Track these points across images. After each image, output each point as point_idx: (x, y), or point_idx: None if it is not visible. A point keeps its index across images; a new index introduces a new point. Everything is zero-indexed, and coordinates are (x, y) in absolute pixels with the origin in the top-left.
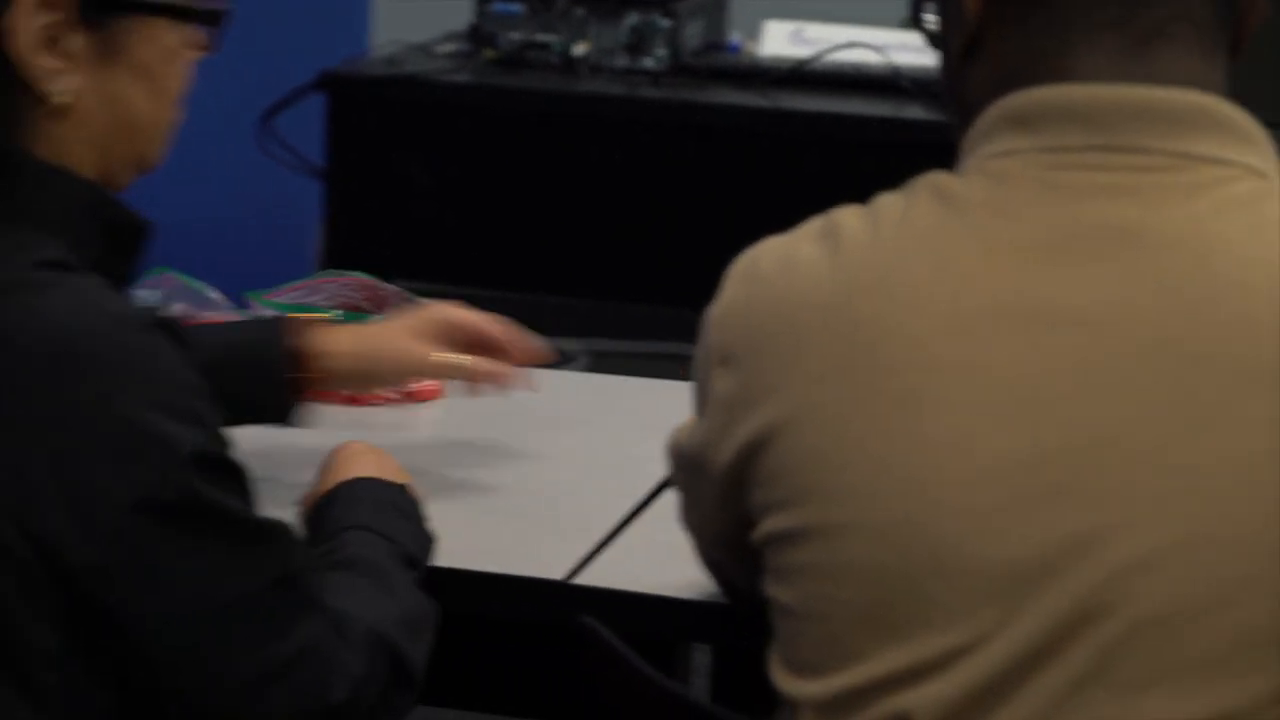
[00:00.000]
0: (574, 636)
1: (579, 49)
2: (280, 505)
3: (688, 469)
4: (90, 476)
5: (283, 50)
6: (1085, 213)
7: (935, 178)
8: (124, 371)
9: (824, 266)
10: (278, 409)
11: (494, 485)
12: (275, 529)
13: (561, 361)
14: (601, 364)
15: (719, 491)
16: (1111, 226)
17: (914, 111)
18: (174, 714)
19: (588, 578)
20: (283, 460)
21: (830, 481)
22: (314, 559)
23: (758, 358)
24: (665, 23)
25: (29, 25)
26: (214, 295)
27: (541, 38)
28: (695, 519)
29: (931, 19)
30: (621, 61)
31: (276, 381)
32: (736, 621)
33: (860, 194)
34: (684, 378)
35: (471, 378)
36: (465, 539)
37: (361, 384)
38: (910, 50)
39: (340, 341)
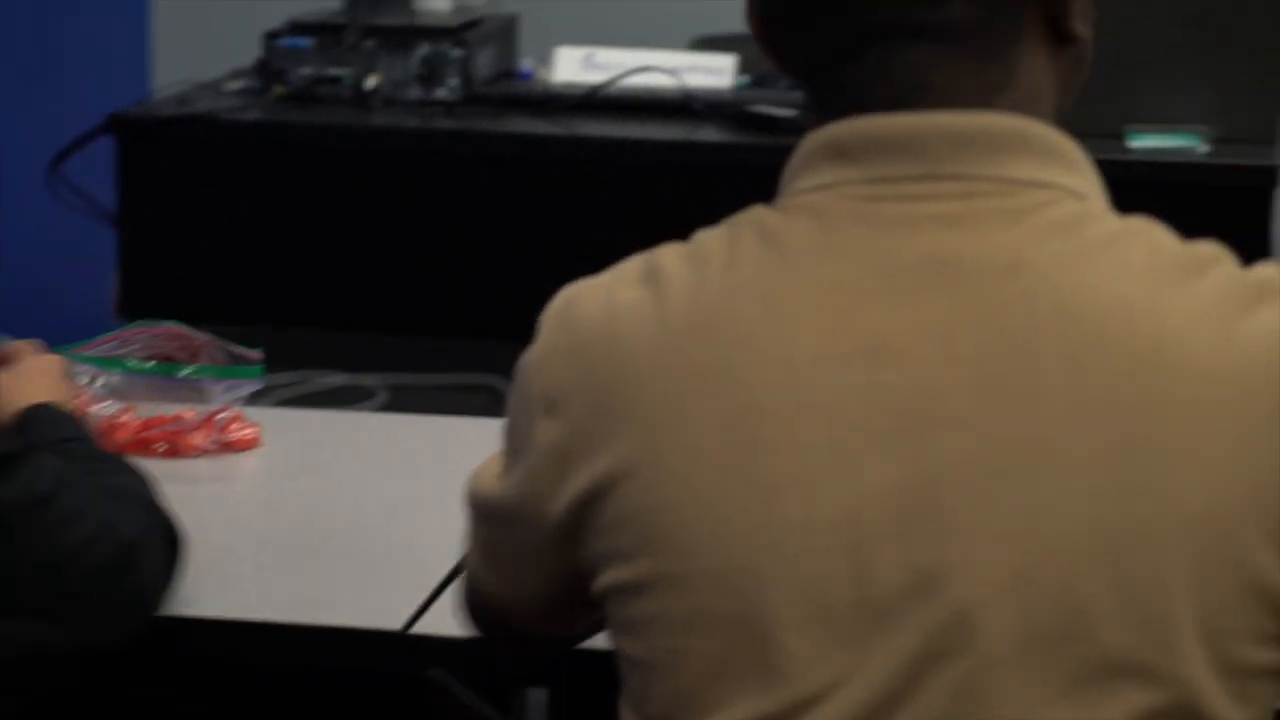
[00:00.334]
0: (423, 687)
1: (370, 82)
2: None
3: (496, 519)
4: None
5: (66, 94)
6: (909, 245)
7: (758, 214)
8: None
9: (650, 311)
10: None
11: (320, 534)
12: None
13: (360, 397)
14: (401, 397)
15: (547, 544)
16: (936, 258)
17: (708, 134)
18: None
19: (426, 625)
20: None
21: (673, 531)
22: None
23: (588, 406)
24: (456, 53)
25: None
26: None
27: (332, 72)
28: (501, 570)
29: None
30: (414, 93)
31: None
32: (574, 665)
33: (657, 218)
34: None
35: None
36: (297, 591)
37: None
38: (701, 72)
39: None
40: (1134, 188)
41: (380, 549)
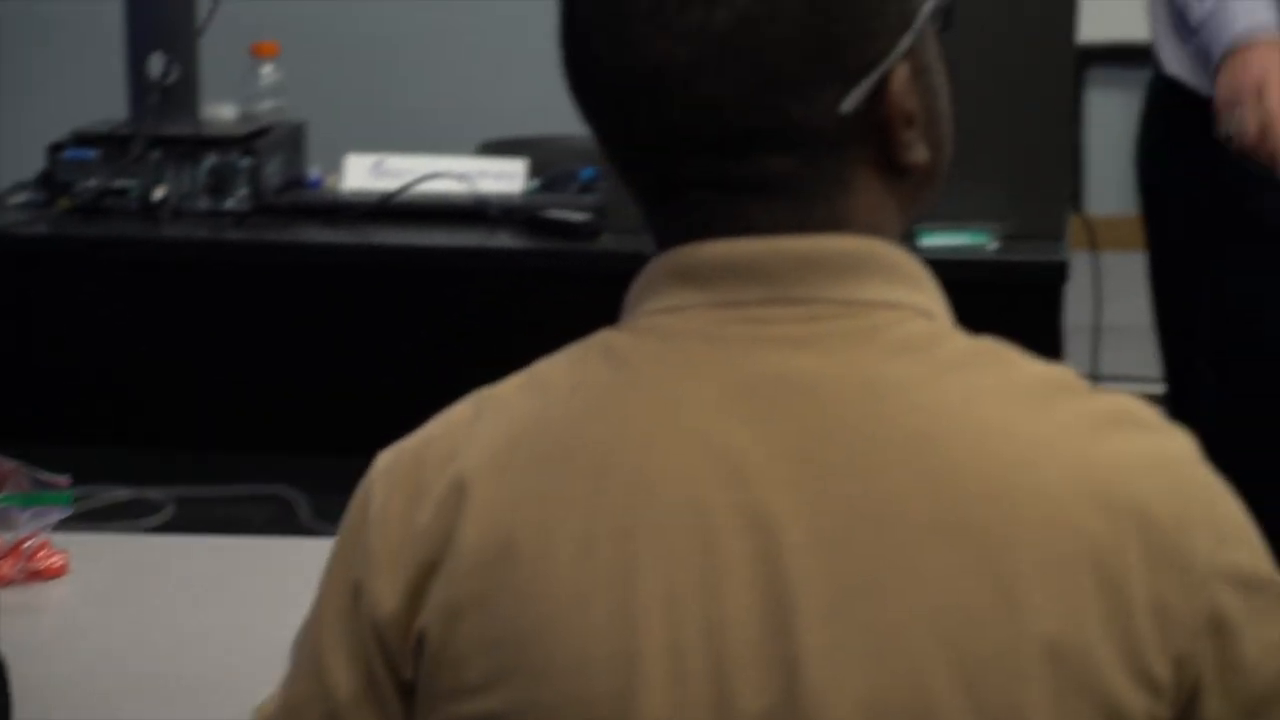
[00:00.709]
0: None
1: (158, 193)
2: None
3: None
4: None
5: None
6: (760, 365)
7: (603, 337)
8: None
9: (494, 444)
10: None
11: (137, 667)
12: None
13: (147, 511)
14: (189, 510)
15: (377, 672)
16: (787, 378)
17: (502, 240)
18: None
19: None
20: None
21: (535, 660)
22: None
23: (434, 553)
24: (245, 162)
25: None
26: None
27: (119, 183)
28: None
29: None
30: (203, 204)
31: None
32: None
33: (452, 326)
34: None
35: None
36: None
37: None
38: (492, 177)
39: None
40: None
41: (190, 679)
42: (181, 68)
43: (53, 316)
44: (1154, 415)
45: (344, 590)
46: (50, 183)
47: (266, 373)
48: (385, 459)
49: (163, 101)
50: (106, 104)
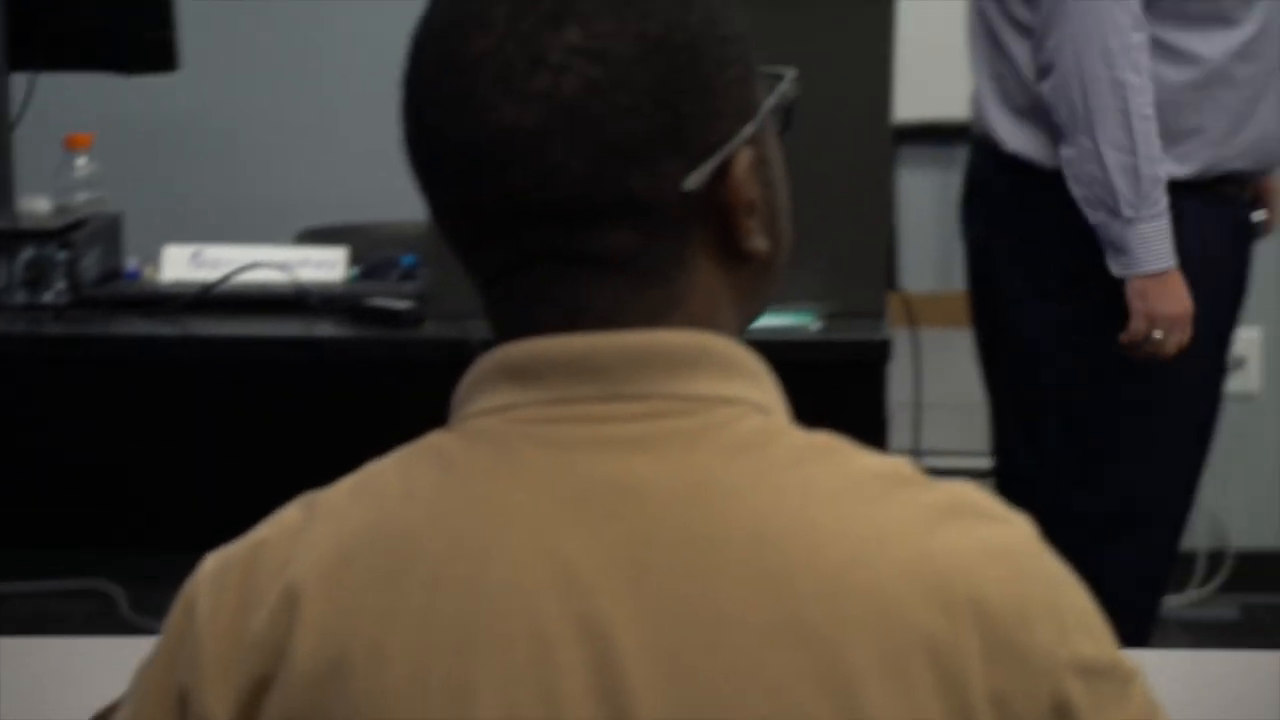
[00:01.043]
0: None
1: None
2: None
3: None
4: None
5: None
6: (593, 469)
7: (433, 441)
8: None
9: (329, 550)
10: None
11: None
12: None
13: None
14: (8, 607)
15: None
16: (621, 483)
17: (325, 329)
18: None
19: None
20: None
21: None
22: None
23: (265, 667)
24: (62, 254)
25: None
26: None
27: None
28: None
29: None
30: (20, 297)
31: None
32: None
33: (281, 417)
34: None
35: None
36: None
37: None
38: (312, 266)
39: None
40: None
41: None
42: None
43: None
44: (993, 503)
45: (168, 696)
46: None
47: (85, 467)
48: (213, 563)
49: None
50: None
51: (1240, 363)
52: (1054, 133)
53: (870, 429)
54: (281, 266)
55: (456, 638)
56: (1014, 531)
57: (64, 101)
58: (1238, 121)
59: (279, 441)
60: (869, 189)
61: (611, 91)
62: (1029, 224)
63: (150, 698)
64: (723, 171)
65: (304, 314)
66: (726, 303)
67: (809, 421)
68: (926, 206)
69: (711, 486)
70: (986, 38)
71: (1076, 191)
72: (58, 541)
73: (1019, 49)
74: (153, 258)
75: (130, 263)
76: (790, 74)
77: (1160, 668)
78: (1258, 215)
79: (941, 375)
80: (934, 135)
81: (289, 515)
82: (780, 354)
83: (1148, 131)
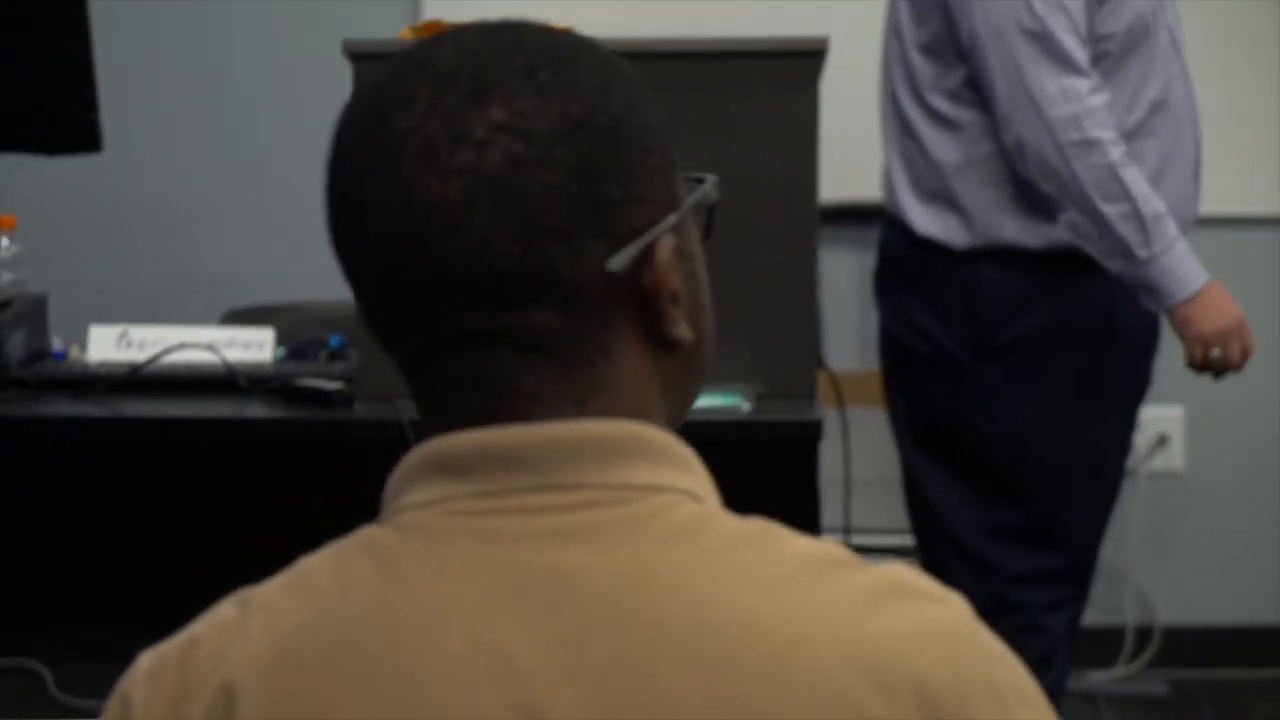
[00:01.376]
0: None
1: None
2: None
3: None
4: None
5: None
6: (529, 560)
7: (366, 535)
8: None
9: (265, 646)
10: None
11: None
12: None
13: None
14: None
15: None
16: (557, 574)
17: (255, 409)
18: None
19: None
20: None
21: None
22: None
23: None
24: None
25: None
26: None
27: None
28: None
29: None
30: None
31: None
32: None
33: (210, 498)
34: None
35: None
36: None
37: None
38: (239, 346)
39: None
40: None
41: None
42: None
43: None
44: (927, 583)
45: None
46: None
47: (12, 547)
48: (147, 661)
49: None
50: None
51: (1164, 441)
52: (962, 218)
53: (804, 508)
54: (209, 347)
55: None
56: (949, 610)
57: None
58: (1153, 181)
59: (209, 521)
60: (796, 270)
61: (534, 167)
62: (941, 299)
63: None
64: (646, 257)
65: (233, 394)
66: (654, 390)
67: (744, 501)
68: (848, 286)
69: (648, 575)
70: (897, 122)
71: (1089, 249)
72: None
73: (932, 136)
74: (79, 338)
75: (56, 343)
76: (712, 179)
77: None
78: None
79: (868, 452)
80: (853, 216)
81: (223, 611)
82: (714, 434)
83: (1134, 174)
